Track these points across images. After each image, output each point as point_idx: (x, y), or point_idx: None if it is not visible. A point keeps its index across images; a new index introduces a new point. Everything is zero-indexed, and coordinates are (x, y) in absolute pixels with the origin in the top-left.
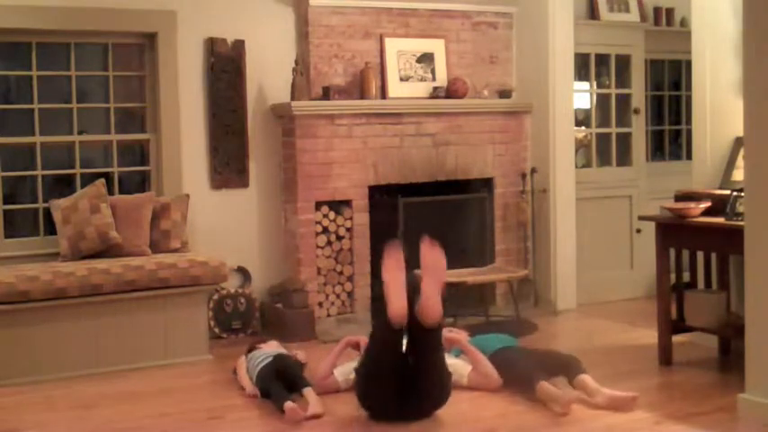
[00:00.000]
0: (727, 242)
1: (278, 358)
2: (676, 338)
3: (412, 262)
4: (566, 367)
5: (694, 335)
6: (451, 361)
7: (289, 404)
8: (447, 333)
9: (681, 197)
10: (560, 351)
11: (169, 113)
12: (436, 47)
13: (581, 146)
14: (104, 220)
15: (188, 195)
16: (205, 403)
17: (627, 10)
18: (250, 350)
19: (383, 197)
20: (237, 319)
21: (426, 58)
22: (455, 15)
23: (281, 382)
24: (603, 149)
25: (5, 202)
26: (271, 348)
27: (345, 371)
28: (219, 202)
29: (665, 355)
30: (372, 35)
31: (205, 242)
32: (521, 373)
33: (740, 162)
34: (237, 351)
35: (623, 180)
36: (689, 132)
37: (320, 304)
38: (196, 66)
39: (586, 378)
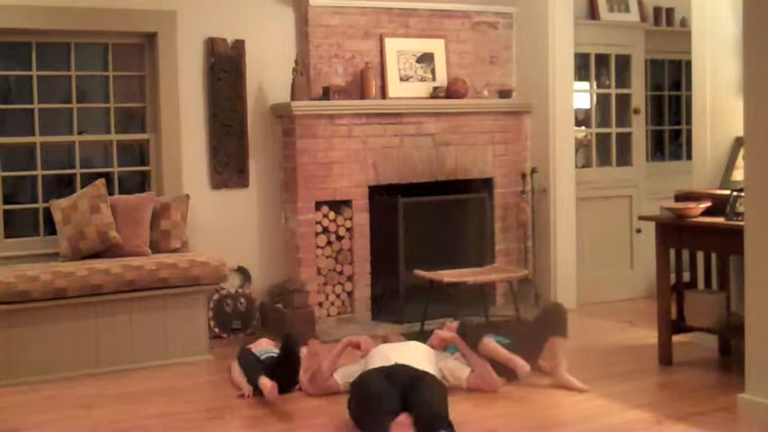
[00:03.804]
0: (727, 242)
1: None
2: (676, 338)
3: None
4: (548, 331)
5: (694, 335)
6: (450, 365)
7: (264, 379)
8: (441, 332)
9: (681, 197)
10: (541, 315)
11: (169, 113)
12: (436, 47)
13: (581, 146)
14: (104, 220)
15: (188, 195)
16: (205, 403)
17: (627, 10)
18: (242, 353)
19: (383, 197)
20: (237, 319)
21: (426, 58)
22: (455, 15)
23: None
24: (603, 149)
25: (5, 202)
26: (262, 347)
27: (346, 373)
28: (219, 202)
29: (665, 355)
30: (372, 35)
31: (205, 242)
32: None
33: (740, 162)
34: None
35: (623, 180)
36: (689, 132)
37: (320, 304)
38: (196, 66)
39: (557, 345)
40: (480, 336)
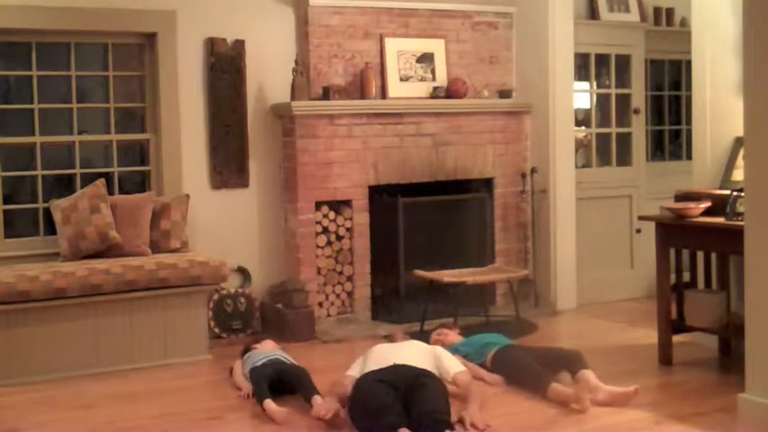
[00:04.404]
0: (727, 242)
1: (277, 363)
2: (676, 338)
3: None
4: (568, 362)
5: (694, 335)
6: (445, 365)
7: (268, 402)
8: (439, 336)
9: (681, 197)
10: (562, 347)
11: (169, 113)
12: (436, 47)
13: (581, 146)
14: (104, 220)
15: (188, 195)
16: (205, 403)
17: (627, 10)
18: (245, 351)
19: (383, 197)
20: (237, 319)
21: (426, 58)
22: (455, 15)
23: (278, 385)
24: (603, 149)
25: (5, 202)
26: (267, 348)
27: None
28: (219, 202)
29: (665, 355)
30: (372, 35)
31: (205, 242)
32: (528, 373)
33: (740, 162)
34: (237, 351)
35: (623, 180)
36: (689, 132)
37: (320, 304)
38: (196, 66)
39: (588, 373)
40: (549, 378)
